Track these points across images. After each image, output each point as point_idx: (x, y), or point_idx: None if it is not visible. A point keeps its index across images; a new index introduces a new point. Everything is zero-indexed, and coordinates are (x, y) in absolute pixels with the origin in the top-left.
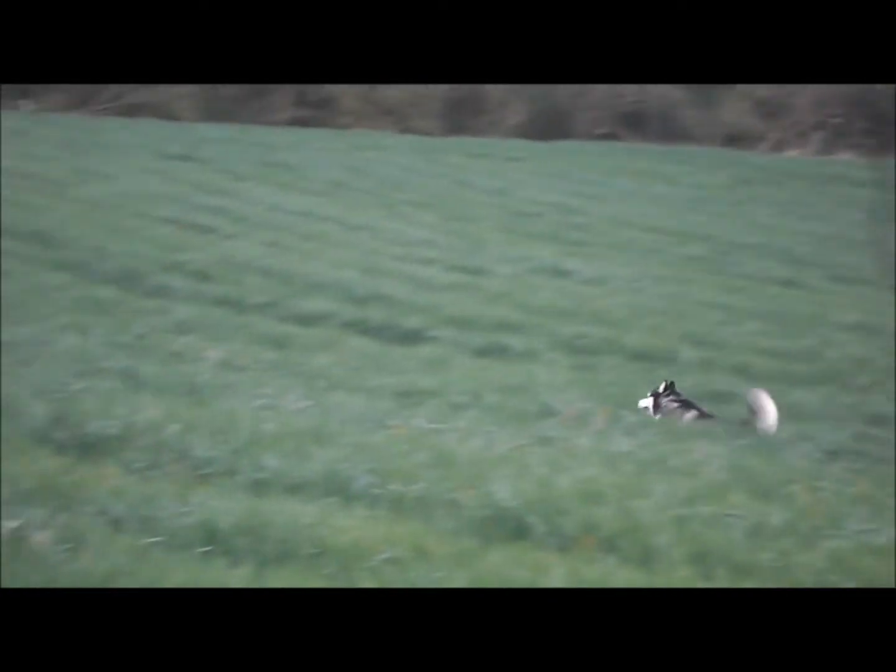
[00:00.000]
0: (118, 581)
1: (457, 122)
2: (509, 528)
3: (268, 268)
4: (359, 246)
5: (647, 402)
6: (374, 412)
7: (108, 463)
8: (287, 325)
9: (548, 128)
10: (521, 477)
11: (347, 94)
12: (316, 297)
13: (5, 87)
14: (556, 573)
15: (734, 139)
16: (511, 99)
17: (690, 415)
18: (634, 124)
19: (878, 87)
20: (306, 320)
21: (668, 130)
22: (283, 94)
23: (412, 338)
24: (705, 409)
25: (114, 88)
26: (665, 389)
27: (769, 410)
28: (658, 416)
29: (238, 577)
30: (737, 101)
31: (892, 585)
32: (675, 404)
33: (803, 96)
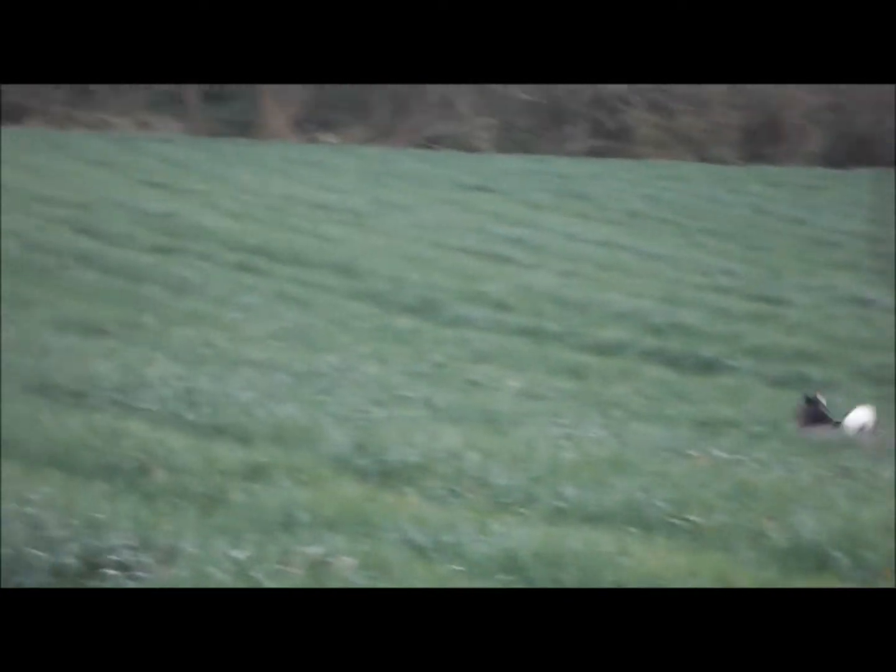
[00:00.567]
0: None
1: (754, 151)
2: (812, 560)
3: (565, 297)
4: (656, 275)
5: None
6: (673, 442)
7: (409, 490)
8: (585, 354)
9: (848, 155)
10: (823, 508)
11: (645, 123)
12: (614, 326)
13: (308, 120)
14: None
15: None
16: (810, 126)
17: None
18: None
19: None
20: (604, 349)
21: None
22: (579, 125)
23: (710, 367)
24: None
25: (413, 121)
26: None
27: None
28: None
29: None
30: None
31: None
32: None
33: None
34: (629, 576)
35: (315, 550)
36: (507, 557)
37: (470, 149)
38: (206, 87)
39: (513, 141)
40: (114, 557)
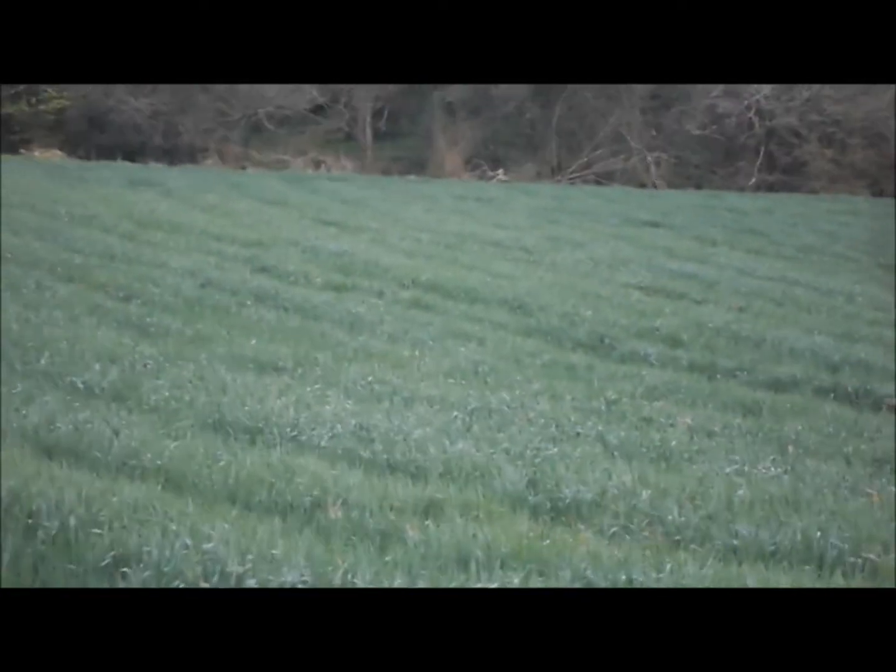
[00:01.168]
0: None
1: None
2: None
3: (739, 333)
4: (832, 311)
5: None
6: (849, 479)
7: (582, 527)
8: (759, 390)
9: None
10: None
11: (818, 157)
12: (788, 362)
13: (478, 157)
14: None
15: None
16: None
17: None
18: None
19: None
20: (778, 386)
21: None
22: (751, 159)
23: (887, 404)
24: None
25: (583, 157)
26: None
27: None
28: None
29: None
30: None
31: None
32: None
33: None
34: None
35: (489, 588)
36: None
37: (641, 184)
38: (379, 126)
39: (684, 176)
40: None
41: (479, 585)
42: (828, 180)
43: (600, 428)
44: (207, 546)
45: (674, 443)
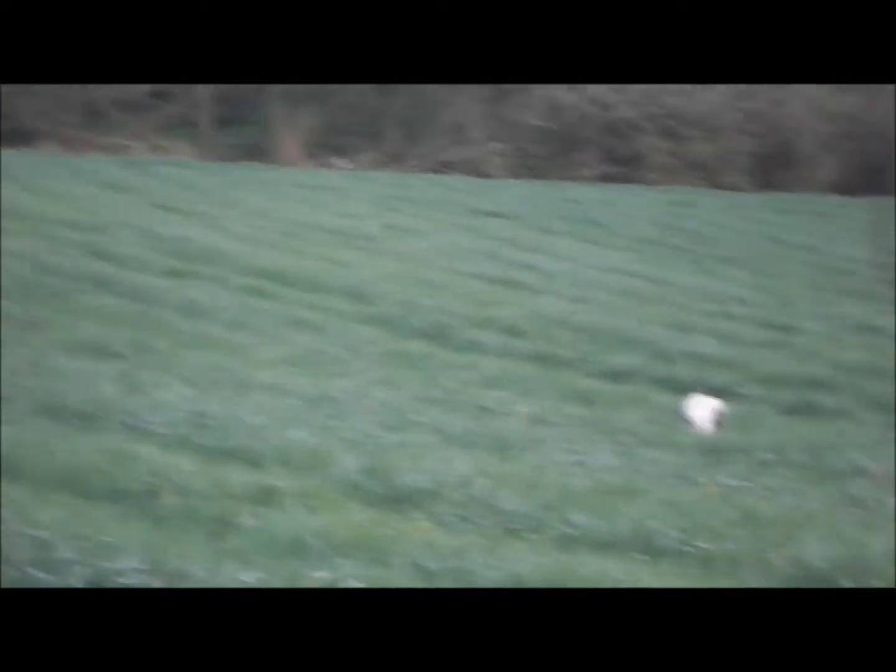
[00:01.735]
0: None
1: (766, 177)
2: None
3: (577, 323)
4: (668, 302)
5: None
6: (683, 469)
7: (419, 516)
8: (595, 380)
9: (861, 183)
10: (831, 537)
11: (656, 150)
12: (625, 353)
13: (320, 145)
14: None
15: None
16: (822, 154)
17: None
18: None
19: None
20: (615, 376)
21: None
22: (591, 152)
23: (720, 394)
24: None
25: (426, 146)
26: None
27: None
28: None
29: None
30: None
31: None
32: None
33: None
34: None
35: (324, 575)
36: (516, 584)
37: (483, 174)
38: (219, 112)
39: (525, 166)
40: (122, 580)
41: (318, 574)
42: (666, 172)
43: (438, 417)
44: (38, 533)
45: (511, 432)
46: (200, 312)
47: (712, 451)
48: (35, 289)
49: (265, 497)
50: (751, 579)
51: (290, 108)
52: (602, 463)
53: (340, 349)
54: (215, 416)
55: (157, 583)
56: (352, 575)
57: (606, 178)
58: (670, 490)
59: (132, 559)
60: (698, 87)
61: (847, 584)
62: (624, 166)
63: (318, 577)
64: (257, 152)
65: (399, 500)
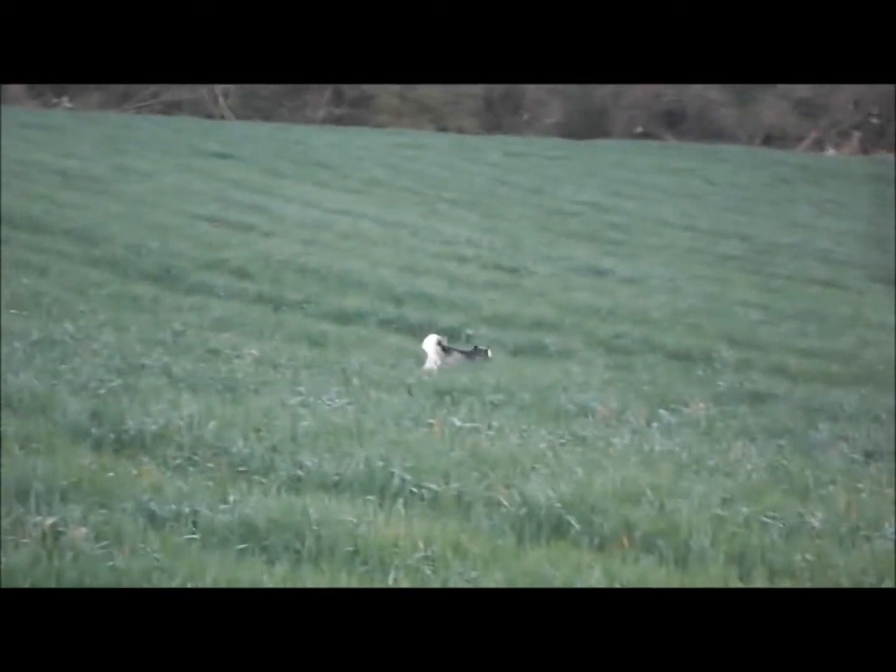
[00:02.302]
0: (154, 578)
1: (495, 121)
2: (546, 526)
3: (305, 266)
4: (396, 244)
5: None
6: (411, 410)
7: (146, 460)
8: (324, 323)
9: (586, 127)
10: (557, 476)
11: (384, 92)
12: (353, 295)
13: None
14: (593, 573)
15: (773, 138)
16: (549, 98)
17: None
18: (672, 123)
19: None
20: (344, 318)
21: (706, 130)
22: (319, 93)
23: (449, 336)
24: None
25: (151, 87)
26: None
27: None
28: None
29: (274, 574)
30: (776, 101)
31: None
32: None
33: (842, 96)
34: (366, 543)
35: (49, 521)
36: (245, 525)
37: (209, 115)
38: None
39: (252, 108)
40: None
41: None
42: (394, 114)
43: (166, 360)
44: None
45: (240, 374)
46: None
47: (441, 392)
48: None
49: None
50: (478, 519)
51: None
52: (331, 404)
53: (65, 292)
54: None
55: None
56: (76, 520)
57: (335, 120)
58: (399, 431)
59: None
60: None
61: (572, 521)
62: (352, 108)
63: (42, 522)
64: None
65: (126, 444)
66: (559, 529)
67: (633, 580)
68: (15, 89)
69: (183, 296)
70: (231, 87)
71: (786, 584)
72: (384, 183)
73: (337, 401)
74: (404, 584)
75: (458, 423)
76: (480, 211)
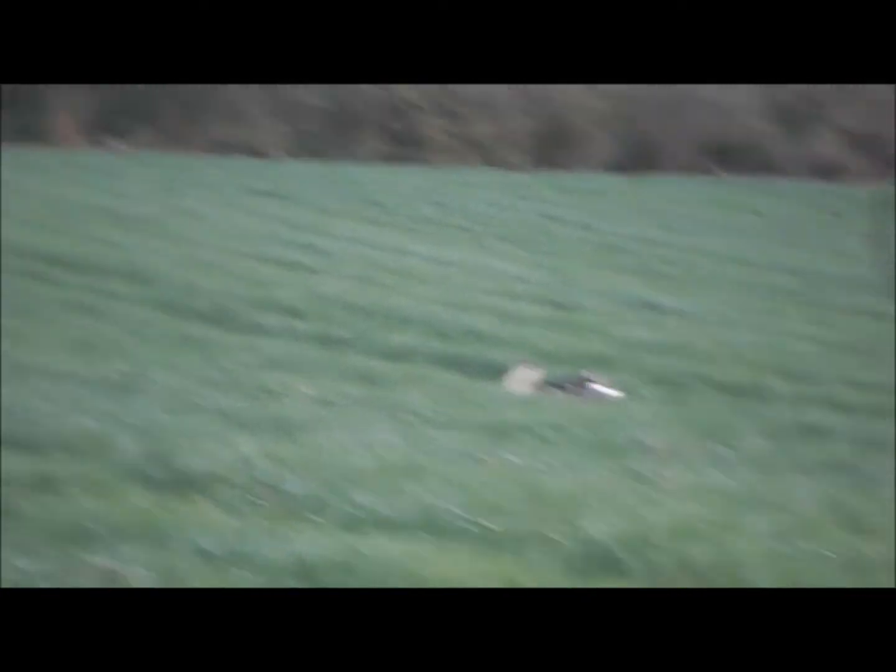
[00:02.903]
0: None
1: (544, 157)
2: (600, 562)
3: (356, 303)
4: (447, 281)
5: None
6: (464, 447)
7: (200, 499)
8: (375, 360)
9: (635, 161)
10: (612, 511)
11: (434, 129)
12: (404, 331)
13: (96, 126)
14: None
15: (823, 171)
16: (597, 133)
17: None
18: (721, 157)
19: None
20: (394, 355)
21: (755, 163)
22: (369, 131)
23: (501, 372)
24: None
25: (202, 126)
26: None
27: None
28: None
29: None
30: (826, 133)
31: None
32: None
33: (892, 127)
34: (420, 581)
35: (105, 562)
36: (298, 564)
37: (260, 155)
38: None
39: (304, 147)
40: None
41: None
42: (444, 152)
43: (219, 399)
44: None
45: (293, 413)
46: None
47: (495, 428)
48: None
49: (45, 484)
50: (532, 555)
51: (65, 86)
52: (384, 442)
53: (119, 332)
54: None
55: None
56: (133, 560)
57: (385, 158)
58: (453, 468)
59: None
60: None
61: (627, 557)
62: (403, 146)
63: (98, 563)
64: (32, 134)
65: (181, 483)
66: (614, 565)
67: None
68: (69, 131)
69: (235, 335)
70: (283, 126)
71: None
72: (434, 220)
73: (389, 438)
74: None
75: (511, 458)
76: (530, 247)
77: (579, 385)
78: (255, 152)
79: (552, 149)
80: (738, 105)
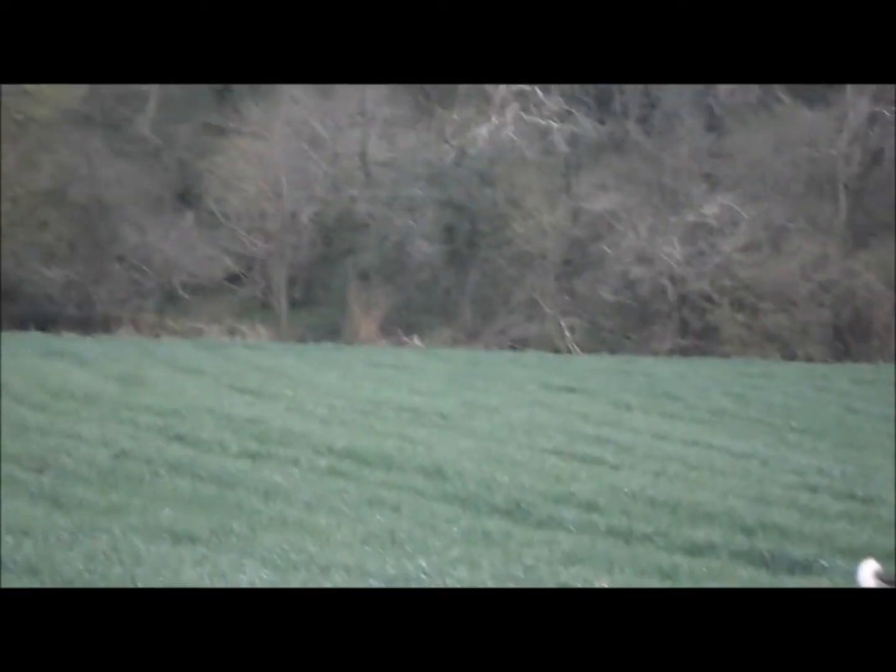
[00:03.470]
0: None
1: (843, 348)
2: None
3: (654, 497)
4: (746, 474)
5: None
6: None
7: None
8: (675, 555)
9: None
10: None
11: (730, 322)
12: (704, 526)
13: (394, 324)
14: None
15: None
16: None
17: None
18: None
19: None
20: (695, 550)
21: None
22: (665, 324)
23: (802, 568)
24: None
25: (499, 323)
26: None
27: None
28: None
29: None
30: None
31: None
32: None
33: None
34: None
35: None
36: None
37: (556, 349)
38: (293, 293)
39: (598, 341)
40: None
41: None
42: (740, 344)
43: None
44: None
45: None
46: (277, 493)
47: None
48: (113, 474)
49: None
50: None
51: (363, 287)
52: None
53: (418, 527)
54: None
55: None
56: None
57: (680, 351)
58: None
59: None
60: (769, 258)
61: None
62: (698, 339)
63: None
64: (332, 331)
65: None
66: None
67: None
68: (370, 329)
69: (533, 529)
70: (577, 321)
71: None
72: (732, 413)
73: None
74: None
75: None
76: (831, 440)
77: None
78: (550, 347)
79: (852, 340)
80: None
